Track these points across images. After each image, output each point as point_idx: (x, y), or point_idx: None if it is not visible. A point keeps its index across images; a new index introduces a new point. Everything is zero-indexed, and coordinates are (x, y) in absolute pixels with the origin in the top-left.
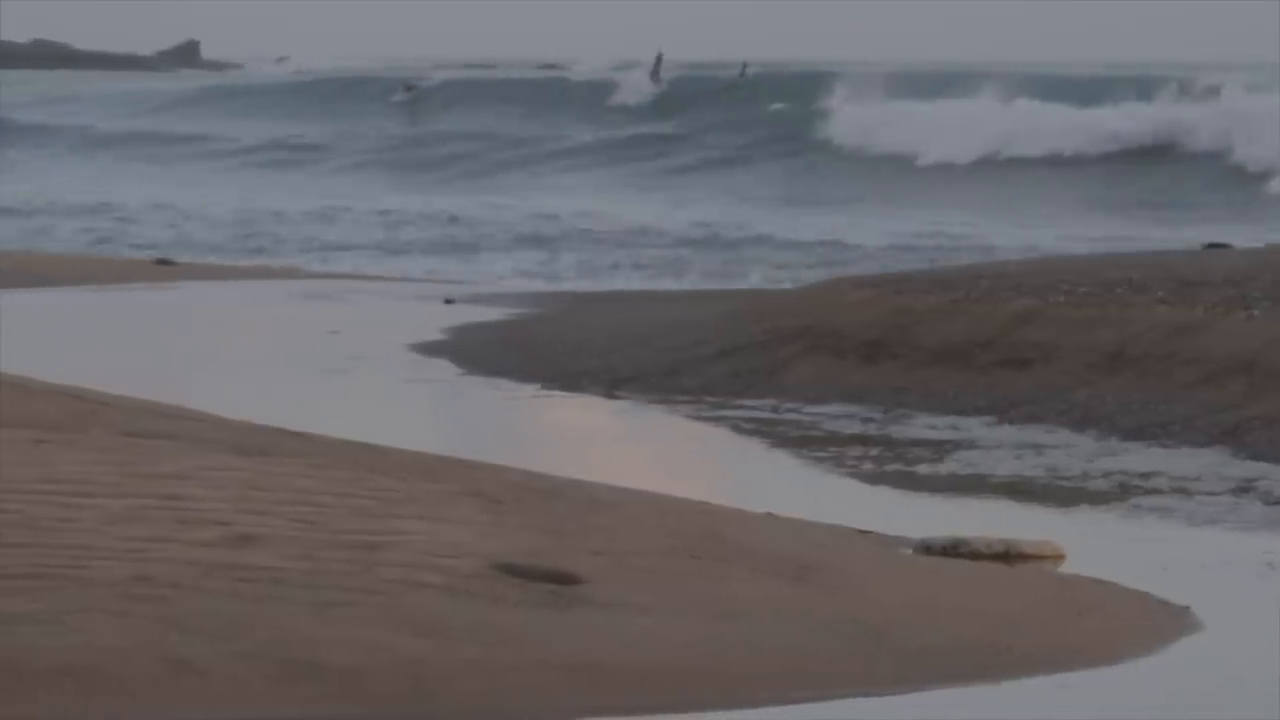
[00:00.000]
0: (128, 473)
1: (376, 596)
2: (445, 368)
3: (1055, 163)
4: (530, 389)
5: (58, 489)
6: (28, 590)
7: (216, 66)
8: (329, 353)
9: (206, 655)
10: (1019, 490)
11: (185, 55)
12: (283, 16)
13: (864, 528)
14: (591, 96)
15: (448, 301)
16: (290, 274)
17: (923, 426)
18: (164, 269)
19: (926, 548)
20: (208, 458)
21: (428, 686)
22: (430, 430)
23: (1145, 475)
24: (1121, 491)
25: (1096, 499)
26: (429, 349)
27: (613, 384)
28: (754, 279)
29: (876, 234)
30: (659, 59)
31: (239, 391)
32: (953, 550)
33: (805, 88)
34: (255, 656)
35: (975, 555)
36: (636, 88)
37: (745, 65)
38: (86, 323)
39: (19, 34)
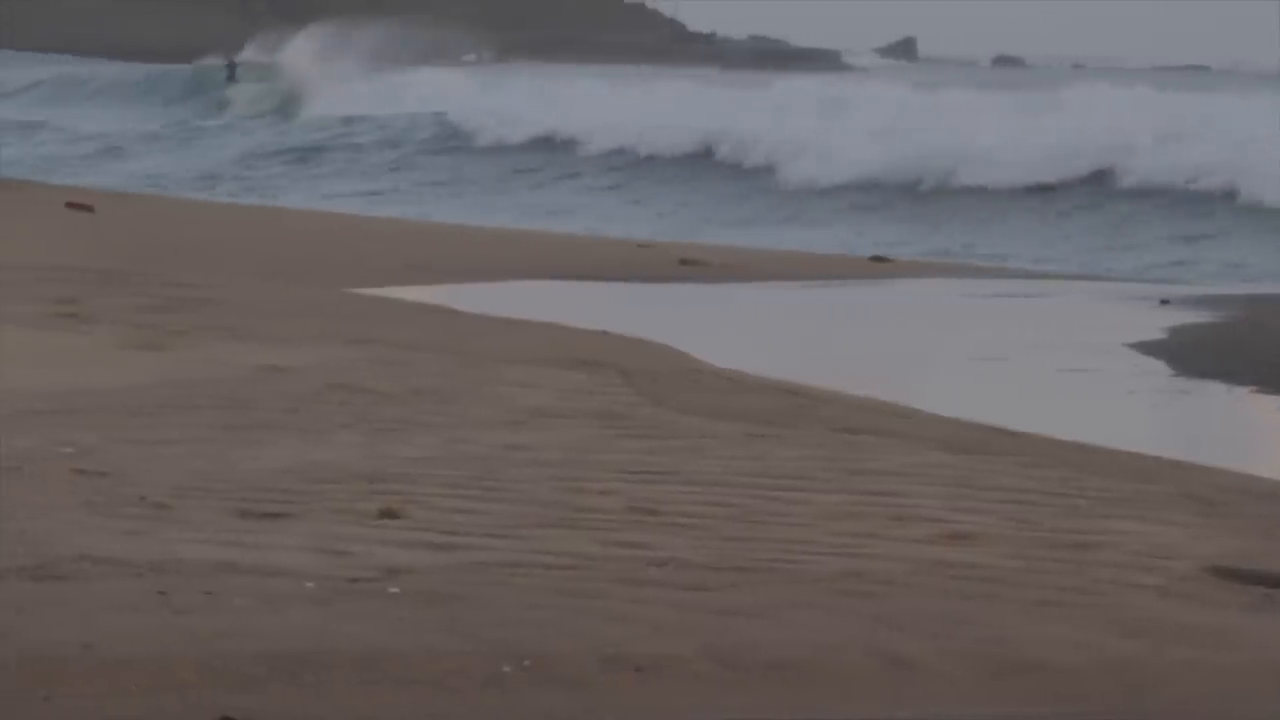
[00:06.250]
0: (840, 468)
1: (1089, 596)
2: (1158, 369)
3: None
4: (1244, 391)
5: (771, 483)
6: (742, 584)
7: (933, 63)
8: (1041, 351)
9: (918, 651)
10: None
11: (902, 52)
12: (1000, 15)
13: None
14: None
15: (1163, 302)
16: (997, 273)
17: None
18: (878, 265)
19: None
20: (919, 455)
21: (1139, 688)
22: (1143, 431)
23: None
24: None
25: None
26: (1144, 349)
27: None
28: None
29: None
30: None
31: (951, 389)
32: None
33: None
34: (967, 654)
35: None
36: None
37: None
38: (799, 318)
39: (738, 30)
